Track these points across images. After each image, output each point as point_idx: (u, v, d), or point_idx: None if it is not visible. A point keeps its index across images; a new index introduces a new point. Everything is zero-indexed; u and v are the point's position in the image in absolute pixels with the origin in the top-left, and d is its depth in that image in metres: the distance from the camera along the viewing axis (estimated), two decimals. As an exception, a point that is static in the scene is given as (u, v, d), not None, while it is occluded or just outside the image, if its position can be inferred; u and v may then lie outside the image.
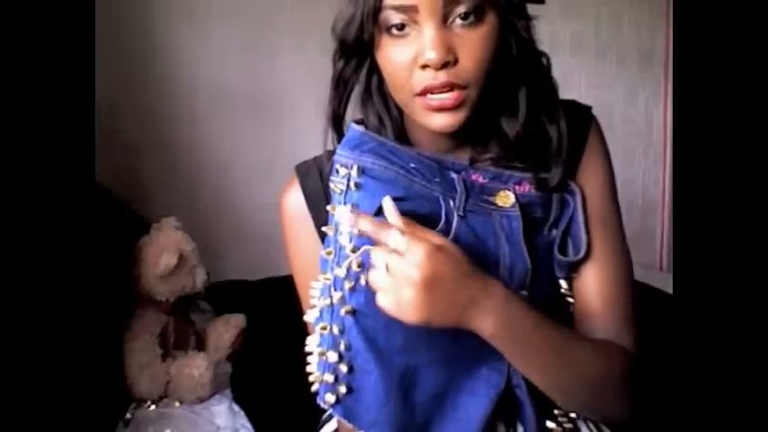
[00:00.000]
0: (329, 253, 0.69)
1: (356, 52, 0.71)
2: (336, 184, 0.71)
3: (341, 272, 0.67)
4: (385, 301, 0.62)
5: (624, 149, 2.67)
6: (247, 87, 2.14)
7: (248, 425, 1.36)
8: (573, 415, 0.74)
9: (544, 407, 0.72)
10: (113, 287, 1.43)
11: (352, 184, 0.69)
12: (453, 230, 0.69)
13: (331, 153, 0.76)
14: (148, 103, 2.03)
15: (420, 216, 0.68)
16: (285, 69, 2.15)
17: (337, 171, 0.71)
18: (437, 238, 0.62)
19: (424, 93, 0.66)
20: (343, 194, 0.70)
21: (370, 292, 0.65)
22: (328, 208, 0.70)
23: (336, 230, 0.69)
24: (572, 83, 2.50)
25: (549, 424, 0.72)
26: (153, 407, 1.41)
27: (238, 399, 1.46)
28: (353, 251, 0.67)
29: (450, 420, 0.71)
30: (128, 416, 1.37)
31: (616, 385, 0.71)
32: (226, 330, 1.60)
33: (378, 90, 0.75)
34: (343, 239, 0.68)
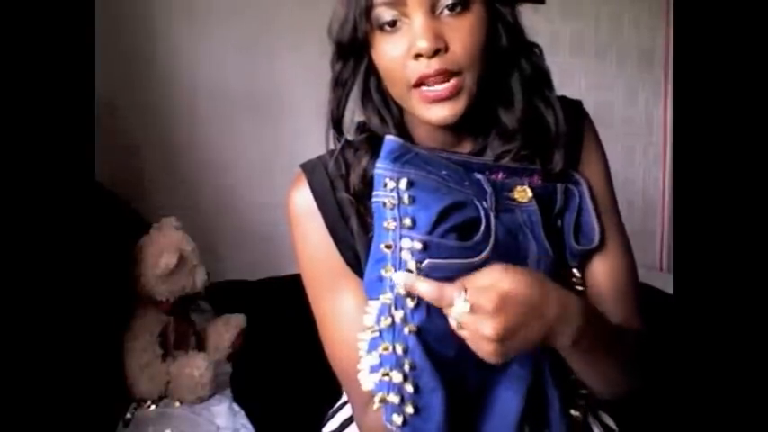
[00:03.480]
0: (389, 271, 0.67)
1: (353, 53, 0.72)
2: (386, 198, 0.69)
3: (403, 289, 0.66)
4: (470, 344, 0.63)
5: (624, 149, 2.67)
6: (247, 87, 2.14)
7: (248, 425, 1.36)
8: (582, 402, 0.77)
9: (566, 397, 0.75)
10: (113, 287, 1.44)
11: (405, 197, 0.68)
12: (493, 232, 0.68)
13: (333, 152, 0.76)
14: (148, 103, 2.03)
15: (467, 222, 0.68)
16: (285, 69, 2.15)
17: (385, 185, 0.69)
18: (505, 282, 0.61)
19: (419, 84, 0.67)
20: (396, 209, 0.68)
21: (430, 308, 0.66)
22: (384, 224, 0.68)
23: (396, 247, 0.67)
24: (572, 83, 2.50)
25: (573, 412, 0.76)
26: (153, 407, 1.41)
27: (238, 399, 1.46)
28: (417, 267, 0.65)
29: (491, 416, 0.72)
30: (128, 416, 1.37)
31: (639, 365, 0.77)
32: (226, 330, 1.60)
33: (377, 89, 0.75)
34: (405, 255, 0.66)
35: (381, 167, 0.70)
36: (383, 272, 0.68)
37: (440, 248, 0.66)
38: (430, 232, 0.67)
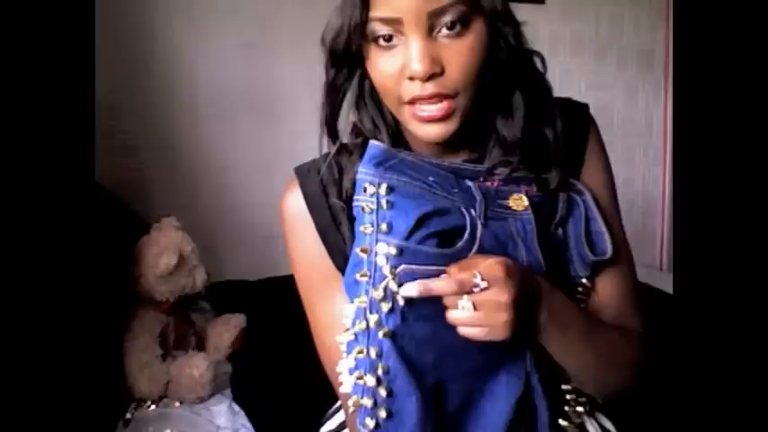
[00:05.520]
0: (364, 275, 0.67)
1: (347, 62, 0.71)
2: (365, 203, 0.69)
3: (378, 294, 0.66)
4: (472, 332, 0.63)
5: (624, 149, 2.67)
6: (247, 87, 2.14)
7: (248, 425, 1.36)
8: (580, 409, 0.77)
9: (556, 407, 0.74)
10: (113, 287, 1.44)
11: (383, 202, 0.68)
12: (478, 240, 0.68)
13: (327, 156, 0.76)
14: (148, 103, 2.03)
15: (449, 229, 0.68)
16: (285, 69, 2.15)
17: (364, 190, 0.70)
18: (497, 260, 0.64)
19: (412, 102, 0.67)
20: (374, 214, 0.68)
21: (405, 313, 0.66)
22: (361, 229, 0.69)
23: (371, 252, 0.67)
24: (572, 83, 2.49)
25: (562, 422, 0.75)
26: (153, 407, 1.41)
27: (238, 399, 1.46)
28: (392, 272, 0.66)
29: (477, 427, 0.72)
30: (128, 416, 1.37)
31: (633, 365, 0.78)
32: (226, 330, 1.60)
33: (370, 96, 0.75)
34: (380, 260, 0.66)
35: (363, 172, 0.71)
36: (358, 276, 0.68)
37: (416, 254, 0.66)
38: (407, 238, 0.67)
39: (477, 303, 0.62)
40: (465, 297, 0.63)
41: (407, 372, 0.67)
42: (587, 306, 0.78)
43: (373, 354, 0.67)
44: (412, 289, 0.63)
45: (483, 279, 0.62)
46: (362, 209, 0.69)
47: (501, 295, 0.62)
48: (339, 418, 0.89)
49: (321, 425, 0.92)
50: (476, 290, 0.62)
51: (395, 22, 0.64)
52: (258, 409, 1.40)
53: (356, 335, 0.68)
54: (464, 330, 0.64)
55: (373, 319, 0.67)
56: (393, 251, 0.66)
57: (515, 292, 0.63)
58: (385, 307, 0.66)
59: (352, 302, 0.69)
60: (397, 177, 0.70)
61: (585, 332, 0.73)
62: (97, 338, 1.30)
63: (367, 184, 0.70)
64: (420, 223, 0.67)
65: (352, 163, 0.73)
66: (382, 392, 0.67)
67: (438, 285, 0.63)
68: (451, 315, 0.64)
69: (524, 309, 0.65)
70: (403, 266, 0.65)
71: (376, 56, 0.67)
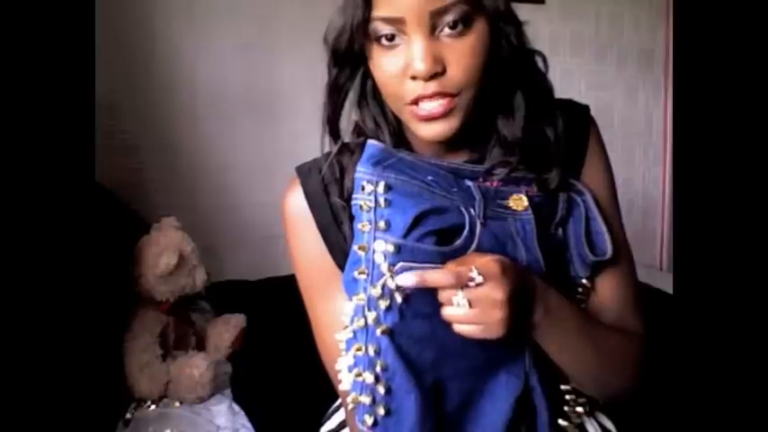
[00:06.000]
0: (362, 272, 0.68)
1: (349, 61, 0.71)
2: (363, 201, 0.70)
3: (375, 291, 0.66)
4: (468, 329, 0.64)
5: (624, 149, 2.67)
6: (247, 87, 2.14)
7: (248, 425, 1.36)
8: (580, 409, 0.77)
9: (555, 407, 0.74)
10: (113, 287, 1.44)
11: (381, 200, 0.69)
12: (476, 239, 0.69)
13: (328, 155, 0.76)
14: (148, 103, 2.03)
15: (447, 228, 0.68)
16: (285, 69, 2.15)
17: (362, 188, 0.70)
18: (493, 257, 0.65)
19: (414, 102, 0.67)
20: (372, 212, 0.69)
21: (403, 311, 0.66)
22: (359, 226, 0.69)
23: (369, 249, 0.67)
24: (572, 83, 2.50)
25: (561, 422, 0.75)
26: (153, 407, 1.41)
27: (238, 399, 1.46)
28: (390, 269, 0.66)
29: (477, 427, 0.72)
30: (128, 416, 1.37)
31: (634, 366, 0.78)
32: (226, 330, 1.60)
33: (372, 95, 0.75)
34: (378, 257, 0.67)
35: (361, 171, 0.71)
36: (356, 273, 0.68)
37: (414, 252, 0.66)
38: (405, 236, 0.67)
39: (472, 300, 0.63)
40: (460, 294, 0.63)
41: (406, 369, 0.67)
42: (587, 307, 0.78)
43: (371, 351, 0.67)
44: (408, 278, 0.63)
45: (479, 274, 0.62)
46: (360, 207, 0.70)
47: (496, 292, 0.62)
48: (339, 417, 0.90)
49: (321, 425, 0.92)
50: (471, 284, 0.62)
51: (397, 22, 0.65)
52: (258, 409, 1.40)
53: (355, 332, 0.68)
54: (459, 328, 0.64)
55: (371, 316, 0.67)
56: (391, 249, 0.66)
57: (510, 290, 0.63)
58: (383, 304, 0.66)
59: (351, 300, 0.69)
60: (395, 176, 0.70)
61: (582, 330, 0.73)
62: (97, 338, 1.30)
63: (365, 183, 0.70)
64: (418, 221, 0.67)
65: (353, 162, 0.73)
66: (381, 389, 0.67)
67: (433, 277, 0.63)
68: (446, 312, 0.64)
69: (519, 306, 0.65)
70: (401, 264, 0.66)
71: (378, 55, 0.68)
